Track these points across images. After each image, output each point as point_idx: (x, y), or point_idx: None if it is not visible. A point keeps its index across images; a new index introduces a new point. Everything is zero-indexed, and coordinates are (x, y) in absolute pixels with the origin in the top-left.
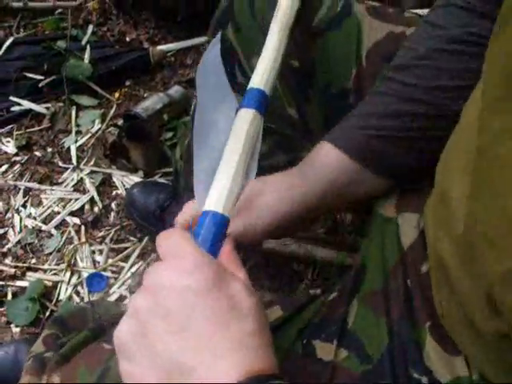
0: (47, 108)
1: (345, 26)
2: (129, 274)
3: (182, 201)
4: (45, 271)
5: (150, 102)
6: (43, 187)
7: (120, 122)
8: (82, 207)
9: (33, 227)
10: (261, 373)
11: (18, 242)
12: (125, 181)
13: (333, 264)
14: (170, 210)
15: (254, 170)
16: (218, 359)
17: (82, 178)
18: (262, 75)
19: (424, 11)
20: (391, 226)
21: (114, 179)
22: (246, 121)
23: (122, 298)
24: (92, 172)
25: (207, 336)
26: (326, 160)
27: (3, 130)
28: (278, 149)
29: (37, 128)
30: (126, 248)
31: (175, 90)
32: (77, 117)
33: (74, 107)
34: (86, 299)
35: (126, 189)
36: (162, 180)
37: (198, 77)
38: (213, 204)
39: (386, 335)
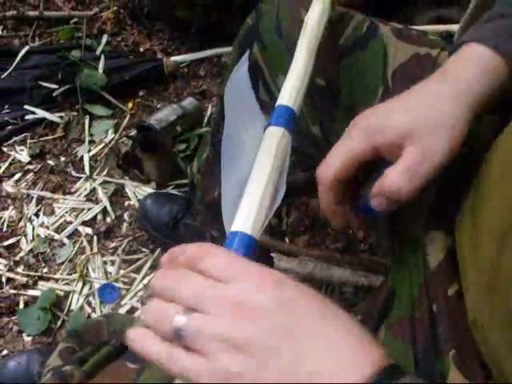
0: (61, 117)
1: (371, 47)
2: (141, 285)
3: (196, 213)
4: (56, 281)
5: (164, 114)
6: (56, 196)
7: (133, 132)
8: (95, 217)
9: (45, 236)
10: (386, 364)
11: (31, 250)
12: (137, 191)
13: (347, 284)
14: (184, 222)
15: (283, 190)
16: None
17: (94, 188)
18: (290, 93)
19: (437, 27)
20: (417, 246)
21: (127, 190)
22: (275, 139)
23: (133, 310)
24: (105, 182)
25: (335, 339)
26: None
27: (17, 138)
28: (297, 167)
29: (50, 137)
30: (138, 259)
31: (188, 102)
32: (90, 126)
33: (88, 117)
34: (97, 310)
35: (138, 200)
36: (174, 192)
37: (226, 97)
38: (241, 225)
39: (413, 365)
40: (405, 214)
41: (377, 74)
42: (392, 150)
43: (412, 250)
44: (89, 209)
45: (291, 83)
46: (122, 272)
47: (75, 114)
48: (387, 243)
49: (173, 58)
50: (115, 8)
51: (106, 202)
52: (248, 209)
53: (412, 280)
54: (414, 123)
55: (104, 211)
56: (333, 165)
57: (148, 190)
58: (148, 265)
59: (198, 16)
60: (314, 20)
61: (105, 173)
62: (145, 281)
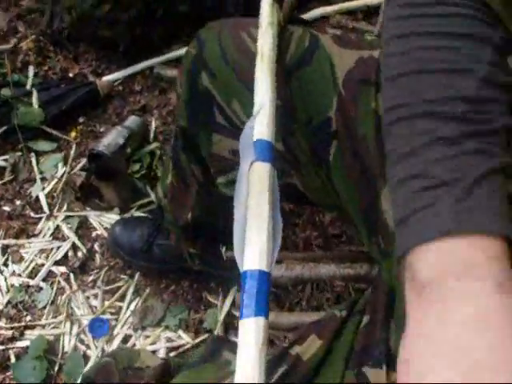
0: (5, 160)
1: (316, 61)
2: (128, 312)
3: (168, 233)
4: (43, 326)
5: (111, 138)
6: (20, 241)
7: (83, 161)
8: (66, 255)
9: (20, 284)
10: None
11: (8, 302)
12: (102, 220)
13: (336, 277)
14: (157, 243)
15: (280, 221)
16: None
17: (58, 226)
18: (267, 126)
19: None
20: None
21: (91, 220)
22: (264, 175)
23: (127, 338)
24: (67, 217)
25: None
26: None
27: None
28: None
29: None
30: (119, 287)
31: (132, 121)
32: (38, 163)
33: (33, 154)
34: (91, 346)
35: (105, 228)
36: (139, 213)
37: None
38: (250, 263)
39: None
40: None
41: (327, 86)
42: None
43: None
44: (57, 247)
45: (265, 116)
46: (106, 303)
47: (19, 154)
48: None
49: (105, 78)
50: (33, 36)
51: (73, 238)
52: (253, 246)
53: None
54: None
55: (74, 247)
56: None
57: (112, 216)
58: (131, 290)
59: (122, 33)
60: (269, 47)
61: (65, 208)
62: (131, 307)
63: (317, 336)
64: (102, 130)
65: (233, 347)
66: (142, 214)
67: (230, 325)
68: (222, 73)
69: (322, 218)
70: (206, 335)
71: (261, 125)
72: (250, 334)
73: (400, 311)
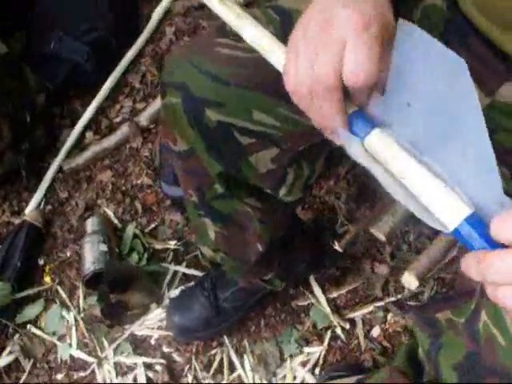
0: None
1: None
2: (249, 373)
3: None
4: None
5: (91, 253)
6: None
7: (82, 293)
8: (147, 376)
9: None
10: None
11: None
12: (149, 324)
13: None
14: (221, 300)
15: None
16: None
17: (116, 362)
18: None
19: None
20: None
21: (140, 333)
22: (385, 140)
23: None
24: (117, 348)
25: None
26: None
27: None
28: None
29: None
30: (217, 358)
31: (92, 224)
32: (44, 329)
33: (31, 327)
34: None
35: (158, 328)
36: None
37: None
38: (452, 217)
39: None
40: None
41: None
42: None
43: None
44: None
45: None
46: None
47: (18, 338)
48: None
49: (29, 210)
50: None
51: (140, 363)
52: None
53: None
54: None
55: (147, 367)
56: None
57: (155, 314)
58: (232, 354)
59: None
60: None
61: (107, 346)
62: (247, 367)
63: None
64: (69, 254)
65: None
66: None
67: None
68: (225, 96)
69: None
70: (330, 332)
71: None
72: None
73: None
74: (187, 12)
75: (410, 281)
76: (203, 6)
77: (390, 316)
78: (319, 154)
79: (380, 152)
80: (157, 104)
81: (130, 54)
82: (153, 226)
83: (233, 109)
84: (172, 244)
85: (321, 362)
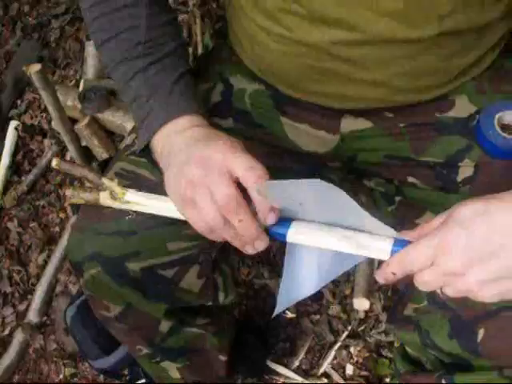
0: None
1: None
2: None
3: None
4: None
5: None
6: None
7: None
8: None
9: None
10: None
11: None
12: None
13: None
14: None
15: None
16: None
17: None
18: None
19: None
20: None
21: None
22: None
23: None
24: None
25: None
26: None
27: None
28: None
29: None
30: None
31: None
32: None
33: None
34: None
35: None
36: None
37: None
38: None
39: None
40: None
41: None
42: None
43: None
44: None
45: None
46: None
47: None
48: None
49: None
50: None
51: None
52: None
53: None
54: None
55: None
56: None
57: None
58: None
59: None
60: None
61: None
62: None
63: None
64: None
65: None
66: None
67: None
68: (137, 244)
69: None
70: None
71: None
72: None
73: None
74: (19, 200)
75: (361, 303)
76: (33, 189)
77: (352, 349)
78: (229, 251)
79: (303, 239)
80: (38, 294)
81: None
82: None
83: (148, 251)
84: None
85: None
